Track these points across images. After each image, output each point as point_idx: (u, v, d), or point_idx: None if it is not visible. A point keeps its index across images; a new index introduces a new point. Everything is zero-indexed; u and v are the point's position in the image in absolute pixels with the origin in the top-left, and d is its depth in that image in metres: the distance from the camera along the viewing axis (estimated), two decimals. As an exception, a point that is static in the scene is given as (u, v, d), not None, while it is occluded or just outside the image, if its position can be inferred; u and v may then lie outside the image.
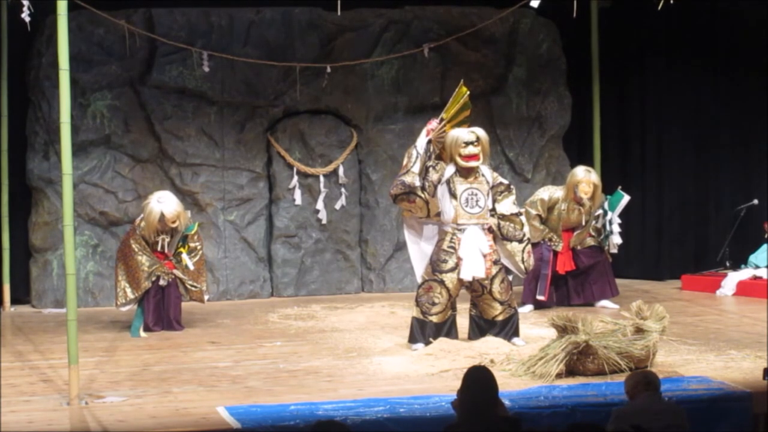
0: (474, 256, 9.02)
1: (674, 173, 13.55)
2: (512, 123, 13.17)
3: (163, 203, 10.22)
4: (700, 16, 13.15)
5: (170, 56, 12.24)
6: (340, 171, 12.69)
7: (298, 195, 12.61)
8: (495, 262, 9.14)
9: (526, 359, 8.19)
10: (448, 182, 9.08)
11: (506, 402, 5.86)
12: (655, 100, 13.51)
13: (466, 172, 9.13)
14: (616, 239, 11.39)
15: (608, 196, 11.43)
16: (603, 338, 8.05)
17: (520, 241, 9.30)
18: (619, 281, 11.91)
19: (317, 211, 12.67)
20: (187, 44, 11.94)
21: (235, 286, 12.53)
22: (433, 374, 8.21)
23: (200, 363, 8.81)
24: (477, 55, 13.06)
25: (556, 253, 11.33)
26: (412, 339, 9.17)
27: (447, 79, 12.73)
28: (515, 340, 9.15)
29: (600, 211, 11.35)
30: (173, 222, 10.24)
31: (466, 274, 9.00)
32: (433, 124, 9.18)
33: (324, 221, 12.69)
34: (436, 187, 9.10)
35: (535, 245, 10.86)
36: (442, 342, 8.93)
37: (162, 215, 10.16)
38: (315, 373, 8.34)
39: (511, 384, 7.70)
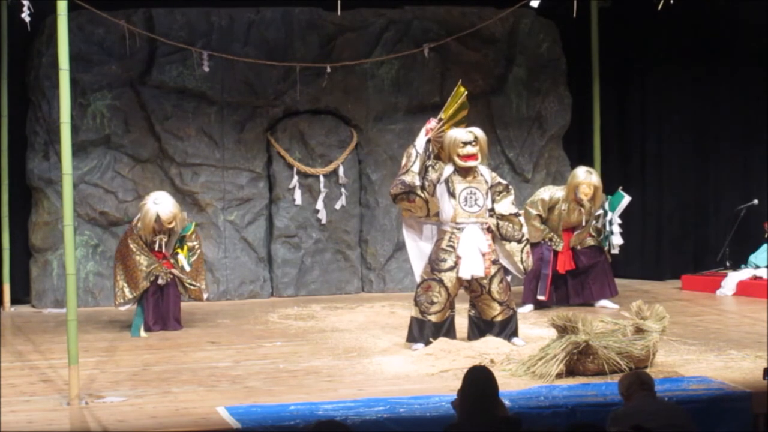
0: (473, 254, 9.02)
1: (674, 173, 13.55)
2: (512, 123, 13.17)
3: (160, 204, 10.21)
4: (700, 15, 13.15)
5: (170, 56, 12.24)
6: (340, 171, 12.70)
7: (298, 195, 12.61)
8: (494, 262, 9.14)
9: (526, 359, 8.19)
10: (446, 181, 9.09)
11: (506, 402, 5.86)
12: (655, 100, 13.51)
13: (464, 172, 9.14)
14: (617, 239, 11.39)
15: (609, 197, 11.43)
16: (603, 338, 8.05)
17: (519, 241, 9.30)
18: (619, 281, 11.91)
19: (317, 211, 12.67)
20: (187, 44, 11.94)
21: (235, 286, 12.52)
22: (433, 374, 8.21)
23: (200, 363, 8.81)
24: (477, 55, 13.06)
25: (556, 253, 11.33)
26: (411, 338, 9.17)
27: (447, 79, 12.73)
28: (515, 340, 9.15)
29: (600, 212, 11.35)
30: (169, 223, 10.24)
31: (465, 273, 9.00)
32: (432, 123, 9.19)
33: (324, 221, 12.69)
34: (435, 186, 9.10)
35: (535, 245, 10.88)
36: (442, 342, 8.92)
37: (158, 216, 10.16)
38: (315, 373, 8.34)
39: (511, 384, 7.70)
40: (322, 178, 12.66)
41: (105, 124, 12.20)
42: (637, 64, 13.52)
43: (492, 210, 9.24)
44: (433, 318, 9.10)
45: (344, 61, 12.47)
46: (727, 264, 12.72)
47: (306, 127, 12.70)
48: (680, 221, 13.61)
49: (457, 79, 9.70)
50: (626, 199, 11.42)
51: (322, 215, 12.66)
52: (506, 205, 9.29)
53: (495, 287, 9.13)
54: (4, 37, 11.85)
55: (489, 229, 9.19)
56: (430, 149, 9.18)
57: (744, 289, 12.06)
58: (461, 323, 9.35)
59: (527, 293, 11.35)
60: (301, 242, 12.71)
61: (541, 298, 11.22)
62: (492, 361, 8.34)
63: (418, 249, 9.36)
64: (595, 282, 11.46)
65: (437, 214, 9.19)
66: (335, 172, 12.71)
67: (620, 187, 11.57)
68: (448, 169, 9.14)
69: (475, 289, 9.16)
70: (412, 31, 12.88)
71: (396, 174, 9.54)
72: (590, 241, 11.47)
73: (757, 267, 12.34)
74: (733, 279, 12.19)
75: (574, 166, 12.17)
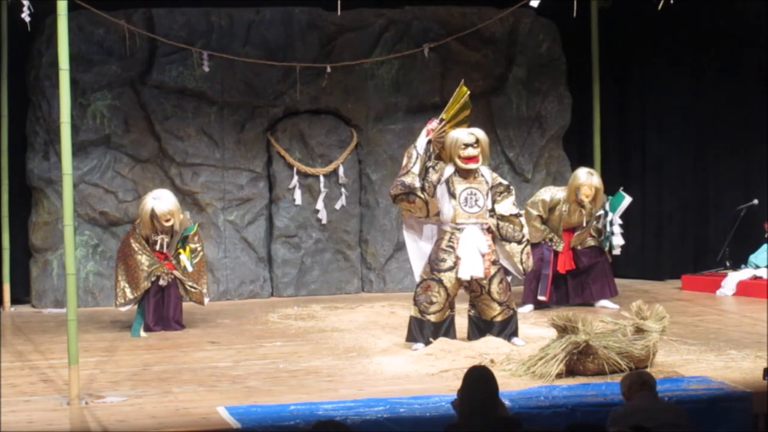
0: (472, 255, 9.02)
1: (674, 173, 13.54)
2: (512, 123, 13.17)
3: (157, 200, 10.20)
4: (700, 15, 13.15)
5: (170, 56, 12.24)
6: (340, 171, 12.70)
7: (298, 195, 12.61)
8: (494, 263, 9.14)
9: (526, 359, 8.20)
10: (447, 182, 9.09)
11: (506, 402, 5.86)
12: (655, 100, 13.49)
13: (465, 173, 9.13)
14: (618, 240, 11.39)
15: (609, 197, 11.43)
16: (603, 338, 8.05)
17: (519, 242, 9.30)
18: (619, 281, 11.91)
19: (317, 211, 12.67)
20: (187, 44, 11.94)
21: (235, 286, 12.53)
22: (433, 374, 8.21)
23: (200, 363, 8.81)
24: (477, 55, 13.06)
25: (556, 253, 11.33)
26: (411, 338, 9.17)
27: (447, 79, 12.73)
28: (515, 340, 9.16)
29: (601, 212, 11.34)
30: (166, 220, 10.20)
31: (465, 274, 9.00)
32: (433, 123, 9.19)
33: (324, 221, 12.69)
34: (435, 187, 9.10)
35: (535, 245, 10.87)
36: (442, 342, 8.93)
37: (153, 211, 10.14)
38: (315, 373, 8.35)
39: (511, 384, 7.70)
40: (322, 178, 12.66)
41: (105, 124, 12.20)
42: (637, 64, 13.52)
43: (492, 210, 9.24)
44: (432, 318, 9.10)
45: (344, 61, 12.47)
46: (727, 264, 12.71)
47: (306, 127, 12.70)
48: (680, 221, 13.61)
49: (457, 79, 9.69)
50: (627, 200, 11.41)
51: (322, 215, 12.66)
52: (507, 206, 9.28)
53: (495, 287, 9.13)
54: (4, 37, 11.85)
55: (489, 230, 9.19)
56: (431, 150, 9.18)
57: (744, 289, 12.06)
58: (461, 323, 9.35)
59: (527, 293, 11.34)
60: (301, 242, 12.71)
61: (541, 298, 11.22)
62: (492, 361, 8.34)
63: (418, 249, 9.36)
64: (595, 282, 11.46)
65: (437, 215, 9.19)
66: (335, 172, 12.71)
67: (621, 188, 11.56)
68: (449, 169, 9.13)
69: (474, 289, 9.16)
70: (412, 31, 12.88)
71: (396, 174, 9.54)
72: (591, 242, 11.47)
73: (757, 267, 12.34)
74: (733, 279, 12.19)
75: (574, 166, 12.17)
